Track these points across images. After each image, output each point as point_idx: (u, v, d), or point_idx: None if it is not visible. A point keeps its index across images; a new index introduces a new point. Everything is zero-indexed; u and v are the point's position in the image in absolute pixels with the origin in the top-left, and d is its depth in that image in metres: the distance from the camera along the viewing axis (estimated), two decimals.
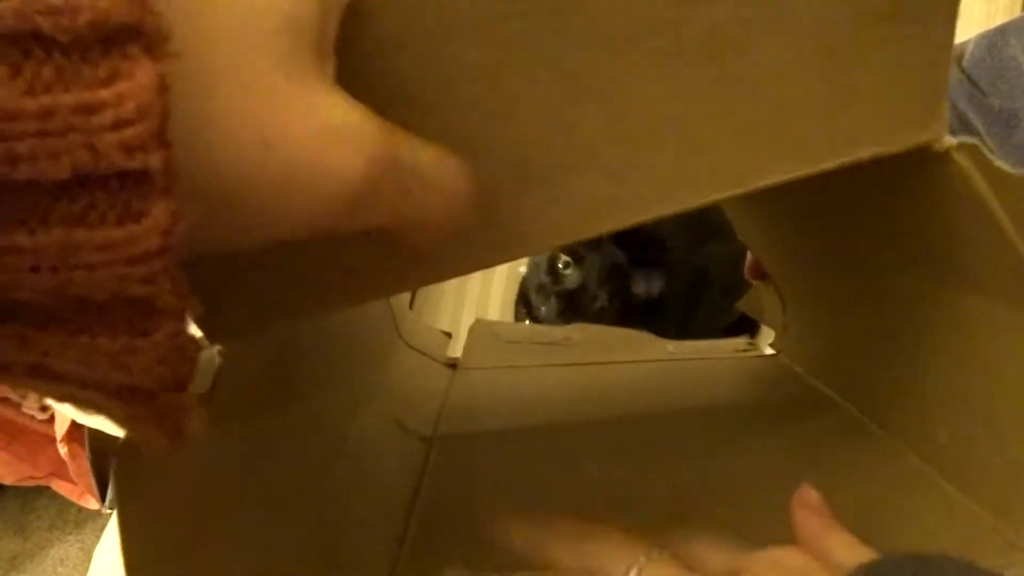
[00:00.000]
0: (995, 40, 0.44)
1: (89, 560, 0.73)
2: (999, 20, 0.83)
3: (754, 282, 0.49)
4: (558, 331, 0.56)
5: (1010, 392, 0.24)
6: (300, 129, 0.14)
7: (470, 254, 0.20)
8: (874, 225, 0.29)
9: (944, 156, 0.21)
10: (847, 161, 0.20)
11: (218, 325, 0.20)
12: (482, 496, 0.32)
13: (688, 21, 0.19)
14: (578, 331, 0.56)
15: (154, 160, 0.12)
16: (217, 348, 0.23)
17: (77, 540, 1.39)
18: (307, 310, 0.21)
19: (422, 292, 0.92)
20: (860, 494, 0.28)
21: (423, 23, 0.18)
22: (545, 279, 0.73)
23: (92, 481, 1.16)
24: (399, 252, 0.20)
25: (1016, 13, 0.85)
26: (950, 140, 0.21)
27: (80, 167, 0.12)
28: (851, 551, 0.22)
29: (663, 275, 0.74)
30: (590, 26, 0.19)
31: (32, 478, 1.28)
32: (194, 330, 0.19)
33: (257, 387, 0.26)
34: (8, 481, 1.28)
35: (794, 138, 0.20)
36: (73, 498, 1.32)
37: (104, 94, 0.12)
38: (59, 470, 1.27)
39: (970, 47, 0.45)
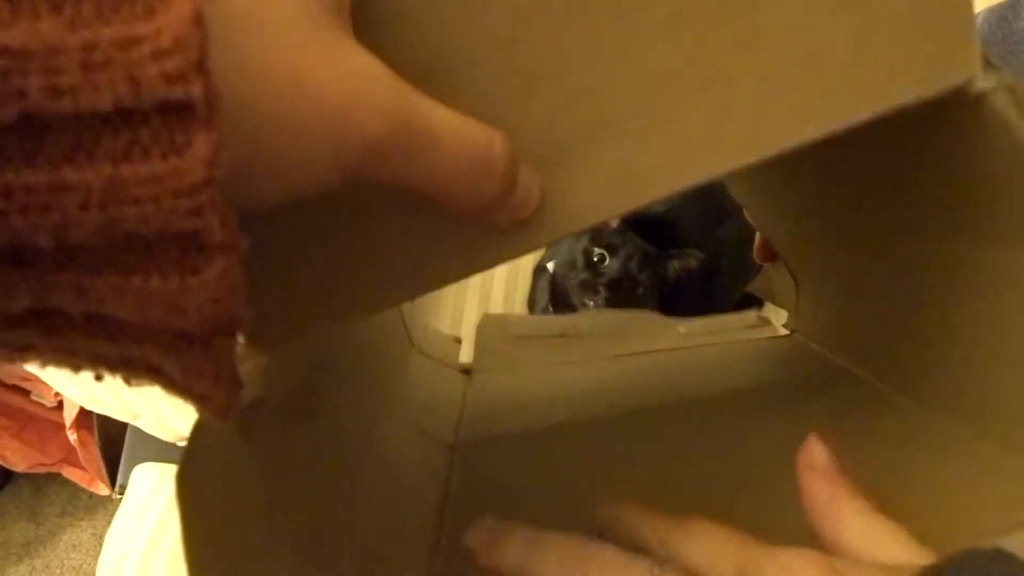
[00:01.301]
0: (1005, 14, 0.43)
1: (101, 545, 0.74)
2: None
3: (764, 264, 0.49)
4: (566, 320, 0.55)
5: None
6: (326, 71, 0.15)
7: (507, 239, 0.20)
8: (895, 184, 0.28)
9: (978, 100, 0.20)
10: (879, 111, 0.19)
11: (261, 333, 0.20)
12: (509, 501, 0.32)
13: None
14: (585, 319, 0.55)
15: (195, 89, 0.12)
16: (262, 360, 0.23)
17: (89, 525, 1.41)
18: (346, 311, 0.21)
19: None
20: (893, 462, 0.27)
21: None
22: (586, 275, 0.73)
23: (102, 467, 1.18)
24: (437, 245, 0.20)
25: None
26: (985, 82, 0.20)
27: (122, 99, 0.12)
28: (863, 521, 0.21)
29: (696, 252, 0.74)
30: None
31: (43, 465, 1.29)
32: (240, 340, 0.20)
33: (291, 401, 0.26)
34: (20, 468, 1.29)
35: (822, 93, 0.19)
36: (84, 484, 1.34)
37: (143, 27, 0.12)
38: (69, 457, 1.28)
39: (979, 20, 0.44)
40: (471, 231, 0.20)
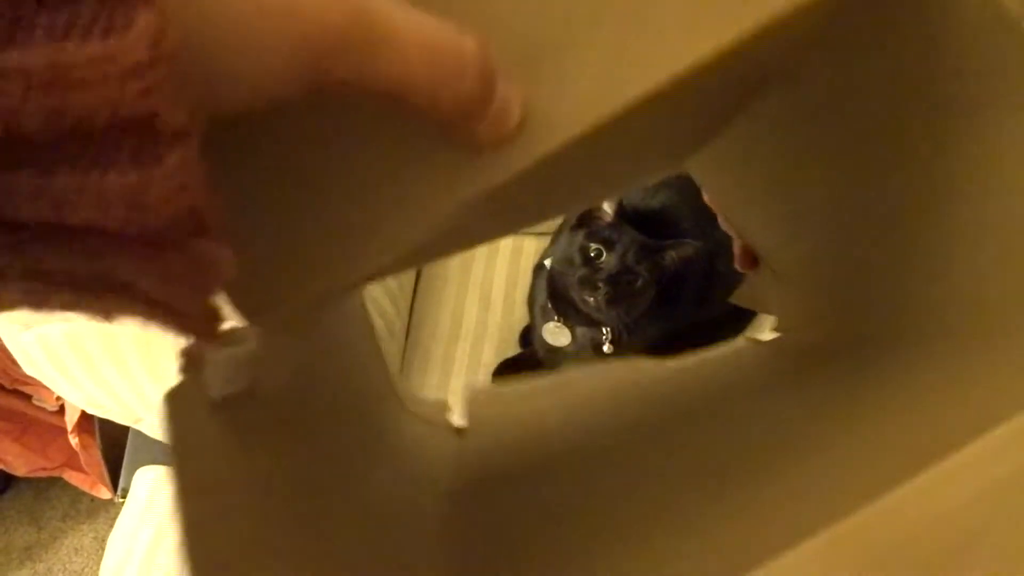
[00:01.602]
0: None
1: (103, 549, 0.74)
2: None
3: (747, 272, 0.49)
4: (552, 378, 0.56)
5: None
6: None
7: (494, 160, 0.19)
8: (869, 97, 0.28)
9: None
10: None
11: (250, 299, 0.20)
12: (505, 542, 0.32)
13: None
14: (572, 370, 0.55)
15: None
16: (253, 345, 0.22)
17: (91, 529, 1.41)
18: (339, 276, 0.20)
19: (408, 360, 0.90)
20: (873, 413, 0.27)
21: None
22: (584, 271, 0.72)
23: (103, 471, 1.18)
24: (425, 181, 0.19)
25: None
26: None
27: None
28: None
29: (692, 241, 0.74)
30: None
31: (44, 469, 1.29)
32: (227, 308, 0.19)
33: (286, 406, 0.25)
34: (21, 473, 1.29)
35: None
36: (85, 488, 1.34)
37: None
38: (71, 461, 1.28)
39: None
40: (456, 158, 0.19)
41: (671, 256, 0.73)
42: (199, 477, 0.18)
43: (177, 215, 0.13)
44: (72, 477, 1.32)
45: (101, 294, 0.15)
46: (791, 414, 0.32)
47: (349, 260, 0.20)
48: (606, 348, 0.77)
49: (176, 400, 0.19)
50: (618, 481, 0.32)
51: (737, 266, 0.47)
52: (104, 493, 1.34)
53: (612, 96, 0.19)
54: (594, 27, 0.19)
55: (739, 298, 0.53)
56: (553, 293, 0.78)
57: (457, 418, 0.48)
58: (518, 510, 0.34)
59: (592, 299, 0.72)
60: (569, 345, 0.79)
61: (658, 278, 0.74)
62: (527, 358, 0.85)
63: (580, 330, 0.78)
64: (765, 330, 0.77)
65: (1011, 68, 0.21)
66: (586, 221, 0.77)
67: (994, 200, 0.25)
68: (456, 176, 0.19)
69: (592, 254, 0.73)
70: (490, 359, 0.86)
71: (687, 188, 0.78)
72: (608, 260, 0.72)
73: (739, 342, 0.54)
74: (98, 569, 0.70)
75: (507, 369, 0.84)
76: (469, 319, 0.91)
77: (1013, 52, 0.20)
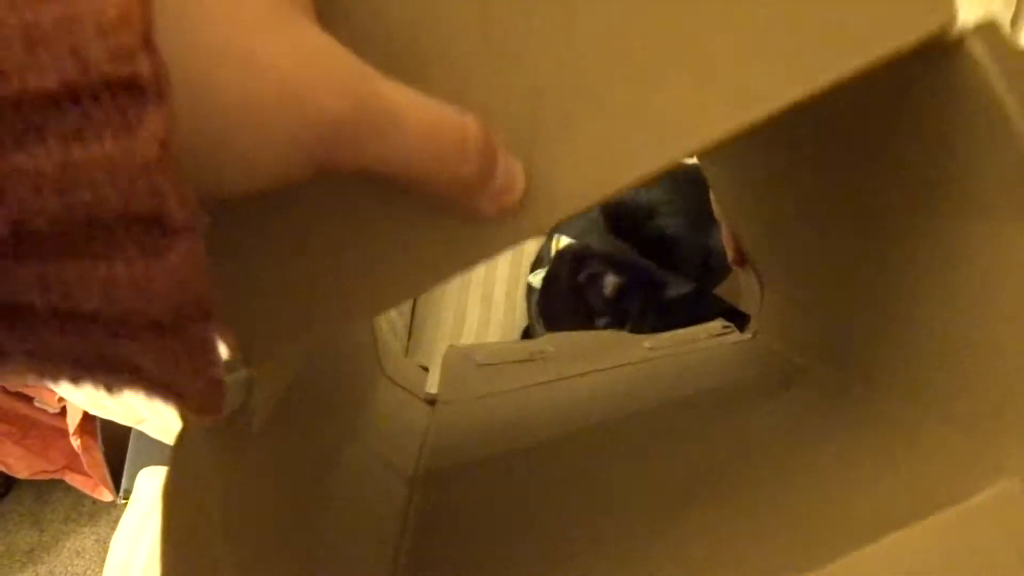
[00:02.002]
0: None
1: (105, 551, 0.74)
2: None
3: (735, 268, 0.49)
4: (532, 345, 0.55)
5: (1006, 311, 0.23)
6: (282, 49, 0.14)
7: (497, 230, 0.19)
8: (870, 154, 0.28)
9: (956, 46, 0.20)
10: (862, 64, 0.19)
11: (248, 342, 0.20)
12: (467, 530, 0.32)
13: None
14: (551, 341, 0.54)
15: (143, 66, 0.12)
16: (246, 371, 0.22)
17: (92, 532, 1.41)
18: (336, 319, 0.21)
19: (411, 358, 0.89)
20: (841, 447, 0.27)
21: None
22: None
23: (106, 473, 1.18)
24: (427, 243, 0.20)
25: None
26: (965, 25, 0.19)
27: (69, 78, 0.12)
28: None
29: (689, 278, 0.74)
30: None
31: (46, 471, 1.29)
32: (225, 350, 0.19)
33: (271, 417, 0.26)
34: (23, 475, 1.29)
35: (801, 51, 0.19)
36: (87, 490, 1.34)
37: (85, 5, 0.12)
38: (72, 463, 1.28)
39: None
40: (460, 226, 0.19)
41: (672, 291, 0.74)
42: (186, 486, 0.18)
43: (181, 303, 0.14)
44: (73, 479, 1.32)
45: (104, 373, 0.15)
46: (760, 435, 0.32)
47: (351, 309, 0.20)
48: None
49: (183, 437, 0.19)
50: (580, 488, 0.32)
51: (730, 262, 0.48)
52: (106, 495, 1.34)
53: (615, 176, 0.19)
54: (600, 109, 0.19)
55: (723, 291, 0.53)
56: (541, 312, 0.78)
57: (432, 386, 0.47)
58: (479, 509, 0.33)
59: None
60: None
61: (655, 309, 0.74)
62: None
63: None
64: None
65: (1007, 172, 0.21)
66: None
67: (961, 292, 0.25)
68: (460, 242, 0.20)
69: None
70: None
71: (679, 201, 0.79)
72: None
73: (713, 335, 0.53)
74: (100, 571, 0.70)
75: None
76: (472, 317, 0.91)
77: (1011, 157, 0.21)
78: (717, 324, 0.56)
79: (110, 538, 0.73)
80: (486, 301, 0.93)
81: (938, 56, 0.20)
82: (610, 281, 0.73)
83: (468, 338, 0.89)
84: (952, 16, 0.19)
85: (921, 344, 0.28)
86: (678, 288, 0.74)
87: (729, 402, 0.38)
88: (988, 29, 0.20)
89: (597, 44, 0.19)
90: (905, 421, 0.27)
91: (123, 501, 0.80)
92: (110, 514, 1.41)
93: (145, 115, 0.12)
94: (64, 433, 1.20)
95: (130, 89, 0.12)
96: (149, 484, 0.74)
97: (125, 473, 0.85)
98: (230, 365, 0.22)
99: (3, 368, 0.14)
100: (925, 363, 0.27)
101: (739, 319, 0.84)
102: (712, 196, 0.48)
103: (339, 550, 0.29)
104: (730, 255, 0.47)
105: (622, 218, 0.77)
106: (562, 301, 0.75)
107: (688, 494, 0.28)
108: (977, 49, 0.20)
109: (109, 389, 0.15)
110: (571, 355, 0.51)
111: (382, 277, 0.20)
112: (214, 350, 0.15)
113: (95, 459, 1.20)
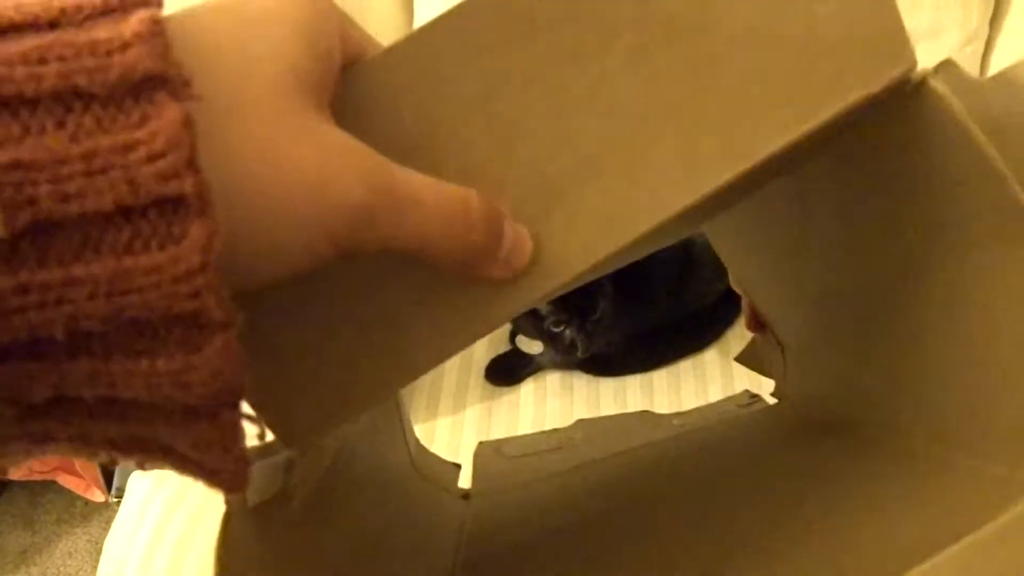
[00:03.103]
0: None
1: (97, 552, 0.74)
2: (975, 15, 0.83)
3: (752, 335, 0.50)
4: (560, 434, 0.56)
5: (1010, 335, 0.24)
6: (304, 148, 0.16)
7: (509, 293, 0.21)
8: (856, 209, 0.29)
9: (920, 86, 0.21)
10: (834, 112, 0.20)
11: (290, 428, 0.21)
12: None
13: (648, 16, 0.20)
14: (580, 428, 0.55)
15: (187, 185, 0.13)
16: (286, 453, 0.23)
17: (84, 532, 1.41)
18: (365, 399, 0.22)
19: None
20: (870, 492, 0.28)
21: (413, 71, 0.20)
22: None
23: (98, 473, 1.18)
24: (446, 316, 0.21)
25: (990, 9, 0.85)
26: (926, 68, 0.21)
27: (122, 199, 0.13)
28: None
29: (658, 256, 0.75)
30: (563, 41, 0.20)
31: (39, 472, 1.29)
32: (268, 436, 0.20)
33: (311, 501, 0.27)
34: (15, 475, 1.29)
35: (777, 102, 0.20)
36: (79, 491, 1.34)
37: (138, 134, 0.13)
38: (65, 463, 1.28)
39: None
40: (477, 292, 0.21)
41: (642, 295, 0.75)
42: (233, 566, 0.20)
43: (215, 392, 0.15)
44: (66, 480, 1.32)
45: (139, 452, 0.16)
46: (793, 495, 0.32)
47: (380, 384, 0.22)
48: (580, 353, 0.79)
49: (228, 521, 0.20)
50: (614, 562, 0.33)
51: (747, 328, 0.49)
52: (98, 496, 1.34)
53: (616, 235, 0.21)
54: (596, 174, 0.21)
55: (743, 359, 0.54)
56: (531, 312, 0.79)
57: (464, 481, 0.48)
58: None
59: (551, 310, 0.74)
60: (542, 353, 0.82)
61: (615, 281, 0.75)
62: (517, 353, 0.86)
63: (549, 337, 0.80)
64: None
65: (984, 199, 0.22)
66: None
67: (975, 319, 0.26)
68: (480, 307, 0.21)
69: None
70: (481, 357, 0.87)
71: None
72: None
73: (739, 408, 0.54)
74: (92, 572, 0.70)
75: (498, 366, 0.85)
76: (446, 410, 0.91)
77: (994, 195, 0.22)
78: (743, 395, 0.58)
79: (102, 539, 0.74)
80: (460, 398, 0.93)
81: (905, 98, 0.22)
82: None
83: (464, 466, 0.88)
84: (913, 61, 0.21)
85: (937, 381, 0.28)
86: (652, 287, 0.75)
87: (759, 467, 0.39)
88: (946, 67, 0.21)
89: (589, 114, 0.20)
90: (932, 459, 0.28)
91: (115, 500, 0.80)
92: (102, 515, 1.41)
93: (189, 227, 0.14)
94: None
95: (176, 205, 0.14)
96: (143, 484, 0.74)
97: (117, 472, 0.86)
98: (269, 449, 0.24)
99: (46, 450, 0.15)
100: (943, 400, 0.28)
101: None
102: (728, 270, 0.49)
103: None
104: (747, 322, 0.48)
105: None
106: None
107: (725, 560, 0.29)
108: (939, 87, 0.21)
109: (142, 466, 0.17)
110: (601, 440, 0.52)
111: (410, 349, 0.21)
112: (242, 432, 0.16)
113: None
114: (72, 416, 0.15)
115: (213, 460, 0.16)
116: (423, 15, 0.90)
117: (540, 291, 0.21)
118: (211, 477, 0.17)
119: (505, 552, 0.38)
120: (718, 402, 0.61)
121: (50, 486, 1.39)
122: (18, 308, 0.13)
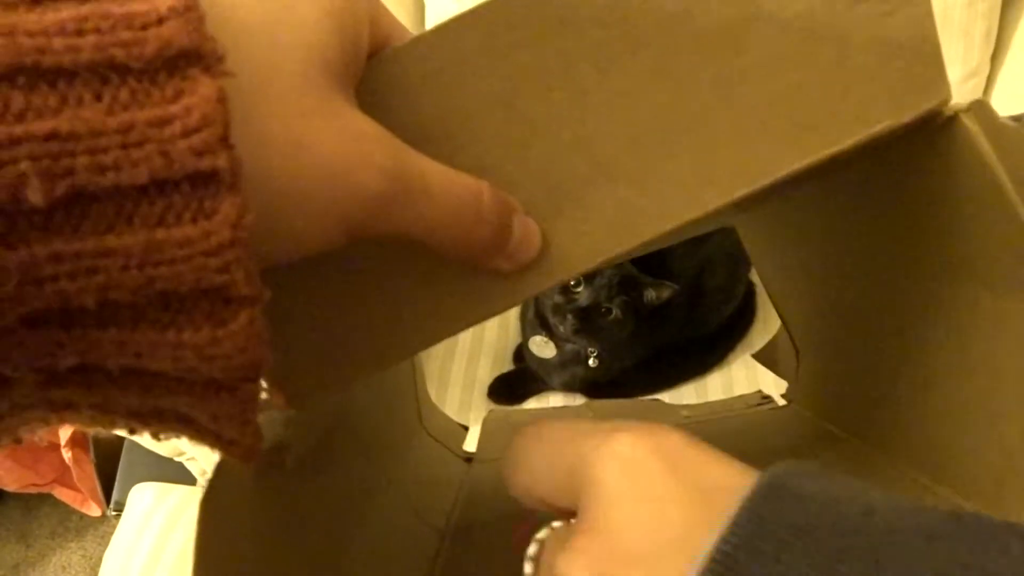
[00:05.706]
0: None
1: (91, 567, 0.73)
2: (979, 24, 0.84)
3: (774, 334, 0.51)
4: (570, 412, 0.56)
5: (1009, 383, 0.24)
6: (328, 136, 0.16)
7: (513, 283, 0.21)
8: (887, 235, 0.29)
9: (950, 122, 0.21)
10: (859, 139, 0.20)
11: (295, 389, 0.22)
12: None
13: (678, 29, 0.20)
14: (589, 410, 0.56)
15: (221, 160, 0.14)
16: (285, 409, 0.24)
17: (79, 547, 1.40)
18: (368, 365, 0.22)
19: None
20: None
21: (440, 61, 0.20)
22: (559, 299, 0.75)
23: (96, 486, 1.17)
24: (449, 296, 0.21)
25: (997, 17, 0.86)
26: (959, 104, 0.21)
27: (157, 172, 0.13)
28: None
29: (672, 282, 0.75)
30: (591, 45, 0.20)
31: (35, 485, 1.28)
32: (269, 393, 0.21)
33: (311, 455, 0.27)
34: (11, 488, 1.28)
35: (802, 124, 0.20)
36: (75, 505, 1.33)
37: (173, 108, 0.13)
38: (62, 477, 1.27)
39: None
40: (476, 282, 0.21)
41: (649, 295, 0.75)
42: (220, 513, 0.20)
43: (239, 366, 0.15)
44: (62, 494, 1.31)
45: (158, 423, 0.16)
46: None
47: (384, 353, 0.22)
48: (591, 362, 0.79)
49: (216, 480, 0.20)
50: None
51: None
52: (94, 510, 1.33)
53: (626, 238, 0.21)
54: (609, 177, 0.21)
55: (760, 356, 0.54)
56: (539, 310, 0.79)
57: (470, 444, 0.49)
58: (509, 560, 0.34)
59: (561, 327, 0.75)
60: (555, 358, 0.81)
61: (635, 312, 0.75)
62: (520, 373, 0.86)
63: (566, 345, 0.79)
64: (755, 346, 0.78)
65: (1004, 243, 0.23)
66: None
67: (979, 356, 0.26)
68: (480, 294, 0.21)
69: (571, 282, 0.74)
70: (485, 375, 0.87)
71: None
72: (583, 292, 0.74)
73: (748, 407, 0.54)
74: None
75: (501, 385, 0.85)
76: (464, 336, 0.92)
77: (1007, 229, 0.22)
78: (755, 395, 0.58)
79: (96, 554, 0.73)
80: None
81: (936, 131, 0.22)
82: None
83: (461, 357, 0.90)
84: (948, 94, 0.21)
85: (932, 413, 0.29)
86: (657, 293, 0.75)
87: (756, 467, 0.39)
88: (979, 107, 0.21)
89: (608, 120, 0.20)
90: (916, 488, 0.28)
91: (114, 514, 0.79)
92: (97, 529, 1.40)
93: (221, 202, 0.14)
94: (56, 446, 1.19)
95: (208, 180, 0.14)
96: (142, 498, 0.74)
97: (117, 485, 0.85)
98: (265, 403, 0.24)
99: (68, 418, 0.16)
100: (936, 431, 0.28)
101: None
102: (755, 267, 0.49)
103: None
104: None
105: None
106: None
107: None
108: (971, 126, 0.21)
109: (157, 437, 0.17)
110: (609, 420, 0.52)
111: (408, 328, 0.22)
112: (258, 403, 0.17)
113: (86, 472, 1.19)
114: (95, 385, 0.15)
115: (231, 431, 0.16)
116: (434, 12, 0.90)
117: (541, 286, 0.21)
118: (228, 447, 0.17)
119: (499, 520, 0.37)
120: (729, 399, 0.61)
121: (45, 499, 1.38)
122: (51, 276, 0.13)
